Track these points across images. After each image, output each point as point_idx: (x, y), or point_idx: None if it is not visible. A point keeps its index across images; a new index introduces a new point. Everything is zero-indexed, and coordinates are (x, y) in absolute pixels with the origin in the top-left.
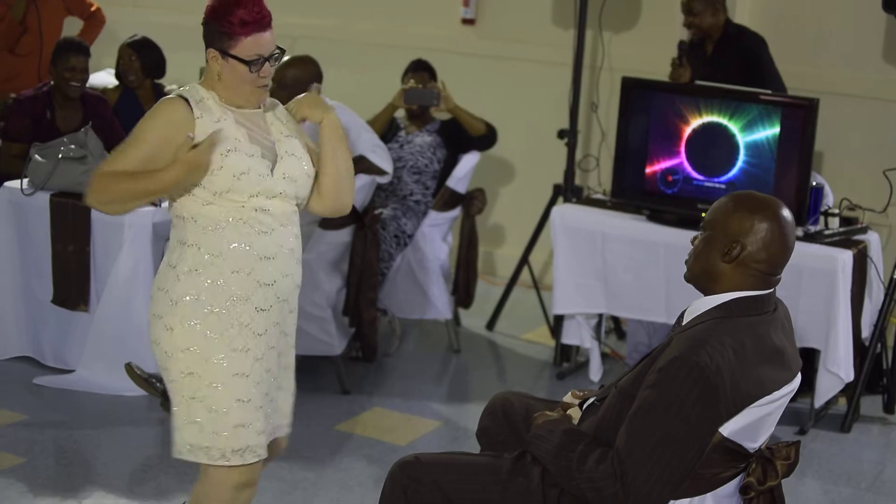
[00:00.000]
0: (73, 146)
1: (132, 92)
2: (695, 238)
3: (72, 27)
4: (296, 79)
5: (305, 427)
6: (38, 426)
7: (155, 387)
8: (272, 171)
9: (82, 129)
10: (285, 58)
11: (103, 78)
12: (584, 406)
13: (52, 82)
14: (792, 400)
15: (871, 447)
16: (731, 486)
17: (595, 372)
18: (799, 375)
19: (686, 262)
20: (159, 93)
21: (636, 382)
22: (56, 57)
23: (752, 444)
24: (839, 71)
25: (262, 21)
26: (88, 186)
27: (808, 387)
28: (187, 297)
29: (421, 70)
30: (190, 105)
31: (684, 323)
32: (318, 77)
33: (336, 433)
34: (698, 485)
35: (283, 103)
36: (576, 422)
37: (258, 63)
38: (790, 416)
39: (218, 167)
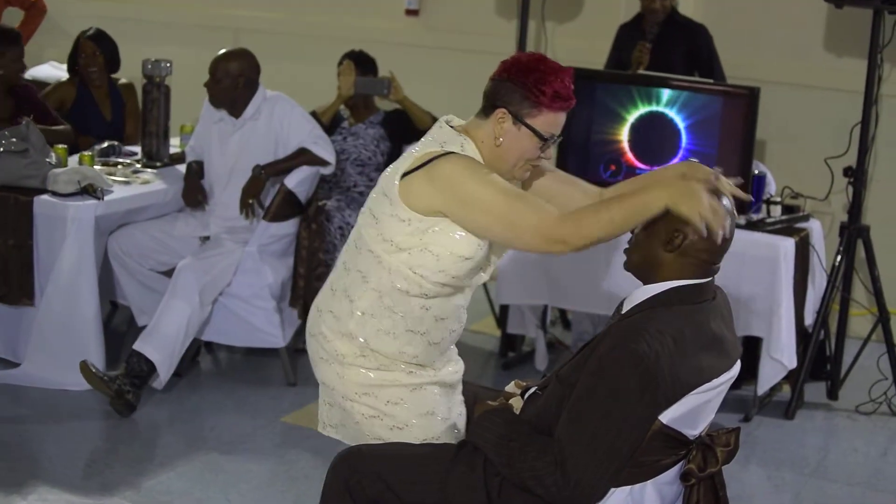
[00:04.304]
0: (14, 139)
1: (87, 89)
2: (634, 227)
3: (12, 18)
4: (230, 70)
5: (251, 419)
6: None
7: (108, 385)
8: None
9: (24, 123)
10: (222, 51)
11: (47, 71)
12: (526, 395)
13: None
14: (736, 387)
15: (815, 433)
16: (672, 473)
17: (541, 361)
18: (738, 363)
19: (626, 251)
20: (113, 88)
21: (576, 371)
22: None
23: (692, 432)
24: (781, 60)
25: (570, 100)
26: (566, 231)
27: (751, 374)
28: (360, 339)
29: (348, 59)
30: None
31: (624, 311)
32: (254, 68)
33: (282, 425)
34: (639, 472)
35: (219, 98)
36: (517, 411)
37: (550, 142)
38: (734, 403)
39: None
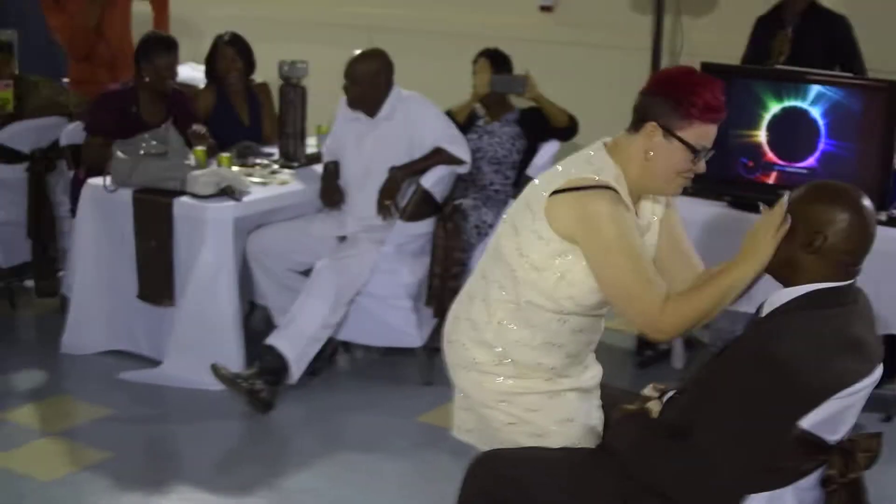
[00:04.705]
0: (154, 142)
1: (226, 96)
2: None
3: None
4: (367, 73)
5: (388, 418)
6: (124, 421)
7: (241, 385)
8: None
9: (163, 125)
10: (356, 52)
11: (186, 72)
12: (664, 399)
13: (143, 77)
14: (877, 386)
15: None
16: (812, 478)
17: (678, 360)
18: (881, 367)
19: None
20: (249, 91)
21: (714, 375)
22: (147, 53)
23: (833, 437)
24: None
25: (721, 111)
26: (668, 323)
27: (893, 373)
28: (498, 348)
29: (483, 58)
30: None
31: (763, 315)
32: (389, 68)
33: (418, 424)
34: (778, 478)
35: (356, 99)
36: (655, 415)
37: (702, 154)
38: (874, 403)
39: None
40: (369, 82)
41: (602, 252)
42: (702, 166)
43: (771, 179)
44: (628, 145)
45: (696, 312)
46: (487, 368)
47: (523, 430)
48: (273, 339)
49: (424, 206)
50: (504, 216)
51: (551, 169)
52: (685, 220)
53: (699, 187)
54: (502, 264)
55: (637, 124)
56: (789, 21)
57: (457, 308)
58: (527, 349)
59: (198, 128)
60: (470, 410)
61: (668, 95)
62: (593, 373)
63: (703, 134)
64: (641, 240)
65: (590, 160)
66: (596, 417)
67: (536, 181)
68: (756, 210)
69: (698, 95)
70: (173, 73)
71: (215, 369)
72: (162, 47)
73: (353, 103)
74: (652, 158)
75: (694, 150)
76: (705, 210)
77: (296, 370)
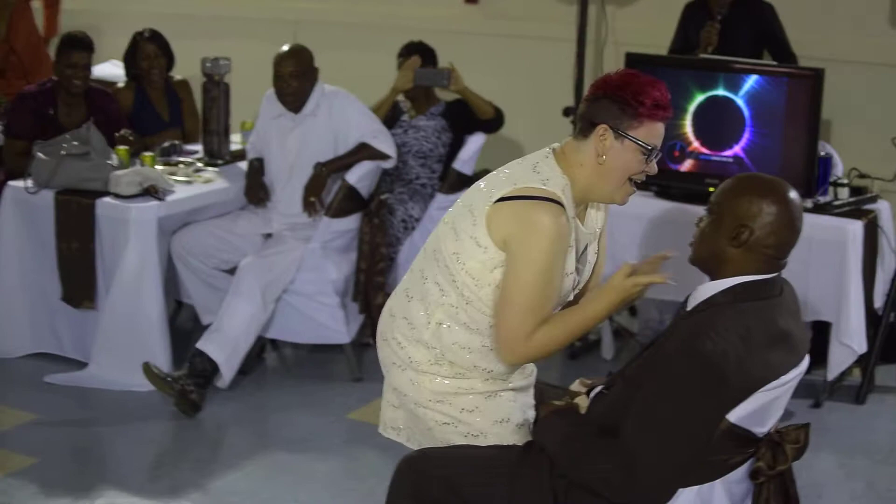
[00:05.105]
0: (75, 143)
1: (145, 93)
2: (700, 220)
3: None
4: (303, 66)
5: (317, 416)
6: (50, 425)
7: (171, 386)
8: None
9: (84, 125)
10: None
11: (108, 70)
12: (592, 395)
13: (54, 78)
14: (806, 373)
15: (887, 418)
16: (741, 471)
17: (607, 350)
18: (807, 358)
19: (691, 245)
20: (168, 87)
21: (642, 370)
22: (58, 53)
23: (761, 429)
24: (846, 37)
25: (669, 108)
26: (525, 351)
27: (821, 359)
28: (436, 349)
29: (411, 52)
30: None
31: (689, 308)
32: (313, 64)
33: (349, 422)
34: (707, 472)
35: (296, 93)
36: (583, 411)
37: (654, 154)
38: (804, 389)
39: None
40: (308, 77)
41: (520, 261)
42: (653, 167)
43: (696, 168)
44: (577, 152)
45: (549, 345)
46: (424, 368)
47: (458, 430)
48: (202, 344)
49: (350, 202)
50: (444, 217)
51: (497, 173)
52: (612, 210)
53: None
54: (441, 266)
55: (586, 130)
56: (717, 11)
57: (393, 305)
58: (465, 352)
59: (125, 132)
60: (400, 408)
61: (615, 97)
62: (528, 372)
63: (653, 132)
64: (561, 263)
65: (537, 168)
66: (529, 415)
67: (481, 185)
68: (683, 200)
69: (646, 94)
70: (81, 73)
71: (146, 368)
72: (69, 47)
73: (293, 98)
74: (605, 162)
75: (646, 150)
76: (631, 200)
77: (226, 372)
